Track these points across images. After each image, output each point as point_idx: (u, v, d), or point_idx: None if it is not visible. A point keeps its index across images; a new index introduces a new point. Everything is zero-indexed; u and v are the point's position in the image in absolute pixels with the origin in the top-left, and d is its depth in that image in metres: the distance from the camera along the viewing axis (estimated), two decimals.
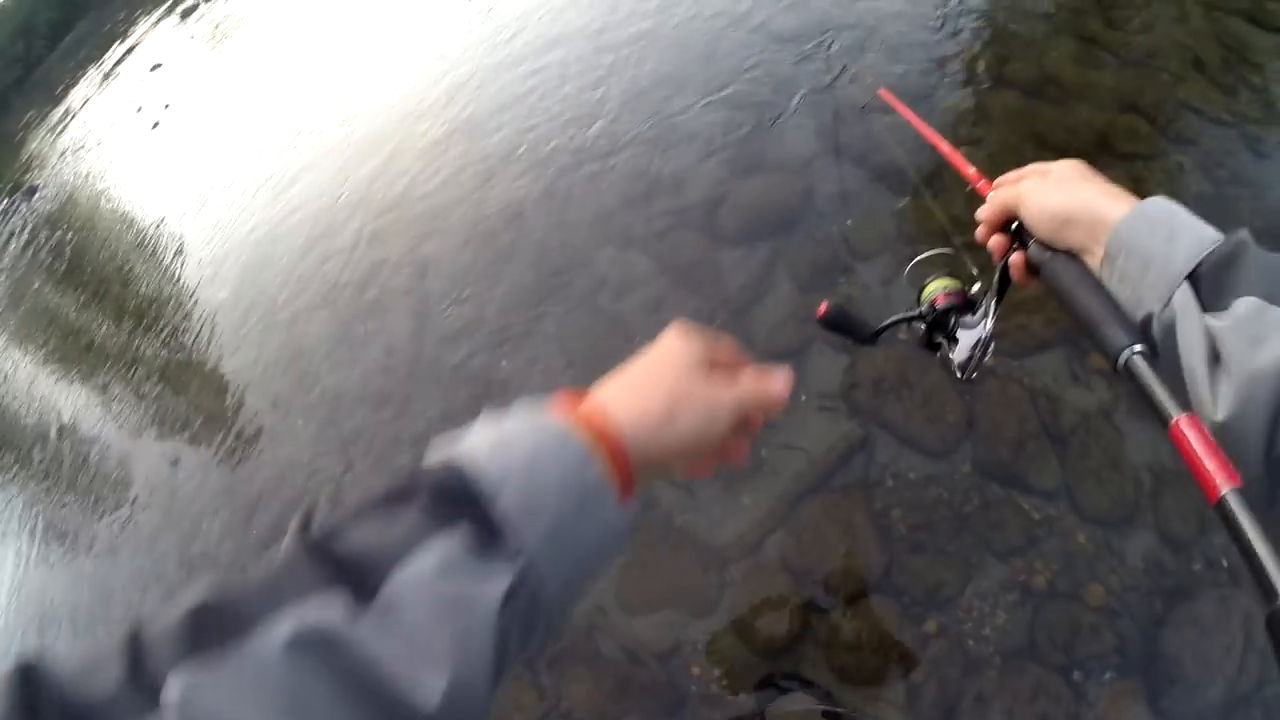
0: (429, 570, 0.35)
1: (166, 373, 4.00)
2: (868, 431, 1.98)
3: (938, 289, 0.83)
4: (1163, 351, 0.51)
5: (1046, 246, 0.62)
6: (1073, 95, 2.98)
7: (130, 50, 10.45)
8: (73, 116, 9.94)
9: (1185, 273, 0.49)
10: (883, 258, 2.35)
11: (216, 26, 8.69)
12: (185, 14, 9.77)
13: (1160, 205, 0.54)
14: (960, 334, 0.81)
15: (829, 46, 3.16)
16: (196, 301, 4.32)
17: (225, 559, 2.68)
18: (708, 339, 0.51)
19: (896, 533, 1.80)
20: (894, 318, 0.88)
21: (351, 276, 3.41)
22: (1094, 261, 0.57)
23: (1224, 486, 0.39)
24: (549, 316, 2.74)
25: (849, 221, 2.49)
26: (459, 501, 0.37)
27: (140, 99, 7.92)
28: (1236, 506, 0.38)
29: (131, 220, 6.47)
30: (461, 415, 2.52)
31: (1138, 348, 0.50)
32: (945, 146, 0.93)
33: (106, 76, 10.21)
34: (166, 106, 7.22)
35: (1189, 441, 0.42)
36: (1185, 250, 0.50)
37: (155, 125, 7.05)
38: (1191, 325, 0.48)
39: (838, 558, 1.81)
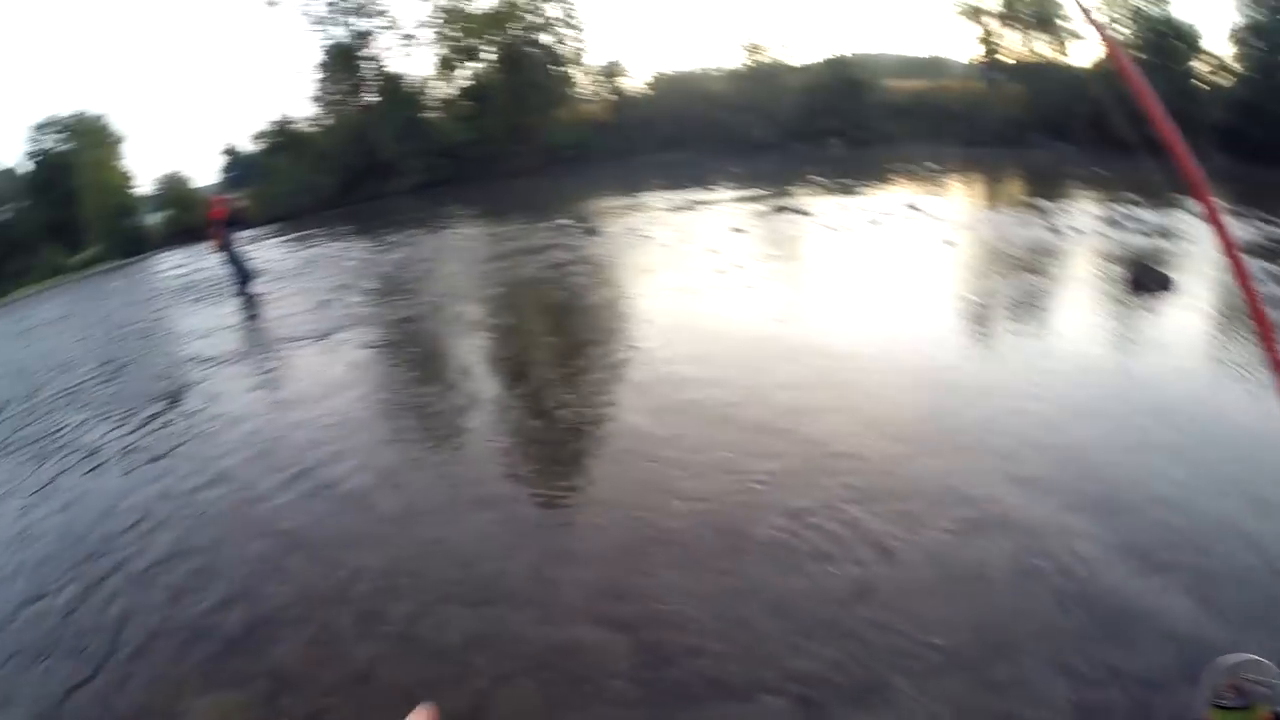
0: None
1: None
2: None
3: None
4: None
5: None
6: None
7: (711, 203, 12.54)
8: (640, 210, 12.21)
9: None
10: None
11: (789, 239, 9.89)
12: (779, 209, 11.45)
13: None
14: None
15: None
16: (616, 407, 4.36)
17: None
18: None
19: None
20: None
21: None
22: None
23: None
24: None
25: None
26: None
27: (715, 245, 9.10)
28: None
29: (625, 300, 7.49)
30: None
31: None
32: None
33: (686, 206, 12.33)
34: (739, 266, 8.06)
35: None
36: None
37: (720, 272, 7.87)
38: None
39: None
